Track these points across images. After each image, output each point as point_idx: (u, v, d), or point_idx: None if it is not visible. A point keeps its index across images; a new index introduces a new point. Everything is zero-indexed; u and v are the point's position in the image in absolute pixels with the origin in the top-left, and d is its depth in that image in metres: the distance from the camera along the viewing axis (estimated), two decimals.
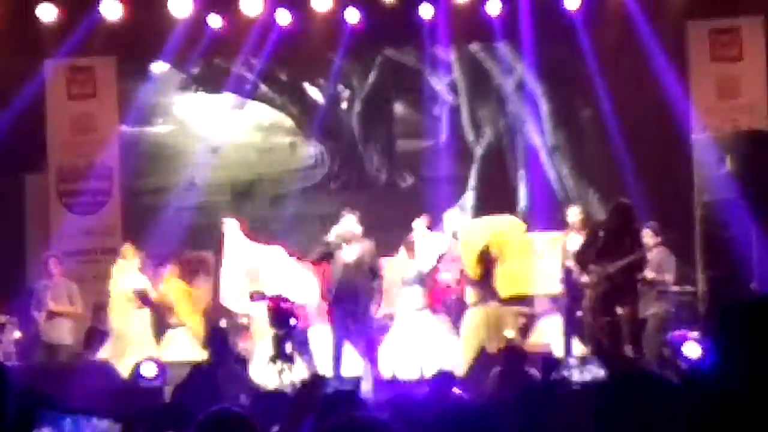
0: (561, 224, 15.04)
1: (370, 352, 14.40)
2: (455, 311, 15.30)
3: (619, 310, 13.75)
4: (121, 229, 17.02)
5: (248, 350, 15.03)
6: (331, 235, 14.50)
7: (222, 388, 10.98)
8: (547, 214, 16.18)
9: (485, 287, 14.97)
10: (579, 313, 14.59)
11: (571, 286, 14.66)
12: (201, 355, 13.38)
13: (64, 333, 15.24)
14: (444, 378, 10.43)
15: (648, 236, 14.36)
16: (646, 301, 14.26)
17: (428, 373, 13.95)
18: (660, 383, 3.74)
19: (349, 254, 14.54)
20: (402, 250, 15.07)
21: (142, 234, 16.28)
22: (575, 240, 14.81)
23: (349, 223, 14.59)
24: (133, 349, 14.89)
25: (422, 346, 14.67)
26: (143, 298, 15.06)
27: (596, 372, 12.44)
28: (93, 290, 15.78)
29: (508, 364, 11.29)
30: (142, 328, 15.15)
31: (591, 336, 14.23)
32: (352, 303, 14.46)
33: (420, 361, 14.04)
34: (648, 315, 14.32)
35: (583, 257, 13.98)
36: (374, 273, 14.59)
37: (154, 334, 15.26)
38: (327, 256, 14.57)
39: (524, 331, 15.23)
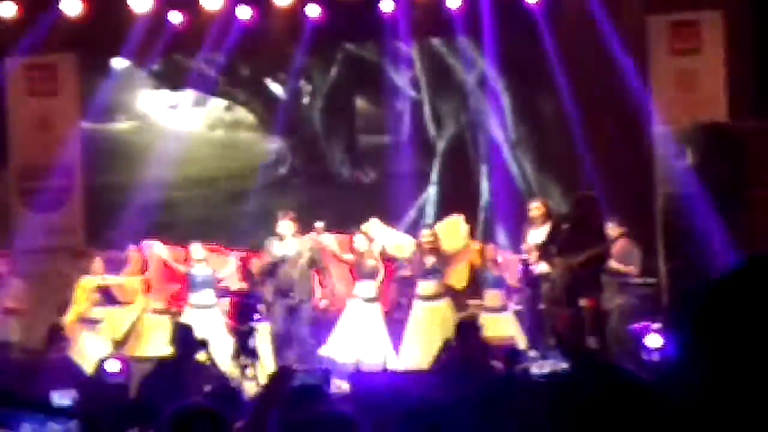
0: (522, 218, 15.09)
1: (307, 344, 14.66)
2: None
3: (583, 302, 13.77)
4: (83, 226, 16.97)
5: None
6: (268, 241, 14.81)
7: (187, 382, 10.95)
8: (509, 209, 16.21)
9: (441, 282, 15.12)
10: (539, 305, 14.66)
11: (530, 279, 14.71)
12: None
13: (10, 331, 15.24)
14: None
15: (611, 228, 14.40)
16: (609, 293, 14.30)
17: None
18: (623, 376, 3.71)
19: (281, 250, 14.75)
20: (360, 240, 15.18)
21: (104, 231, 16.25)
22: (536, 234, 14.84)
23: (282, 226, 14.85)
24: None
25: (369, 337, 14.80)
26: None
27: (558, 364, 12.48)
28: (54, 287, 15.74)
29: (462, 338, 11.42)
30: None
31: (553, 328, 14.27)
32: (289, 297, 14.67)
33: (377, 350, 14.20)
34: (611, 307, 14.36)
35: (546, 249, 14.00)
36: (315, 266, 14.84)
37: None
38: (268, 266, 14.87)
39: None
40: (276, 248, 14.98)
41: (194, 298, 15.22)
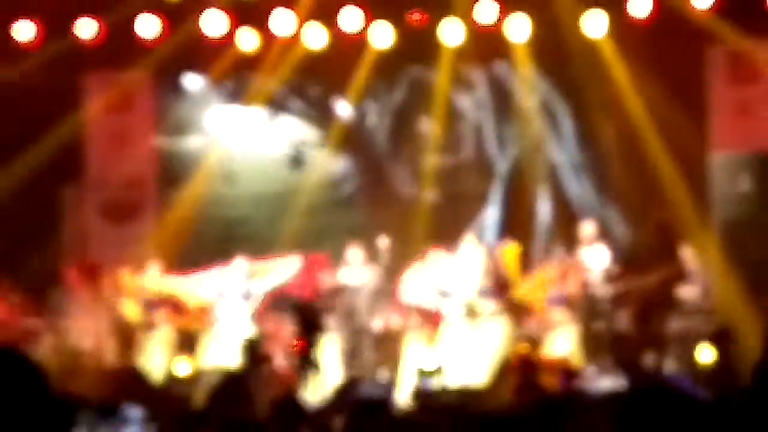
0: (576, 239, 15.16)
1: None
2: None
3: (651, 323, 13.81)
4: (155, 238, 17.08)
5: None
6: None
7: (253, 393, 11.03)
8: (565, 230, 16.20)
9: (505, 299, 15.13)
10: (595, 324, 14.67)
11: (589, 299, 14.72)
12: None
13: (85, 339, 15.35)
14: None
15: (685, 252, 14.46)
16: (674, 315, 14.32)
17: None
18: (683, 396, 3.74)
19: (347, 278, 15.16)
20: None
21: (174, 244, 16.37)
22: (590, 253, 14.86)
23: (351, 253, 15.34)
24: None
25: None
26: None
27: (615, 382, 12.48)
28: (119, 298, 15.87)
29: (523, 377, 11.38)
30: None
31: (614, 347, 14.27)
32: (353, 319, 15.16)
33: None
34: (674, 328, 14.35)
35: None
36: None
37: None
38: None
39: (537, 342, 15.25)
40: (343, 275, 15.12)
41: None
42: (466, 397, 12.55)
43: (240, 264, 15.39)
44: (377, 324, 15.30)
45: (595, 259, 15.00)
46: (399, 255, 15.53)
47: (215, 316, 15.41)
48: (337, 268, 15.58)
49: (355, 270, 15.30)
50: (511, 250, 15.70)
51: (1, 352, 2.44)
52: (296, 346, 14.15)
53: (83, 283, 15.57)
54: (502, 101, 17.31)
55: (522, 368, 11.63)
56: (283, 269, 15.67)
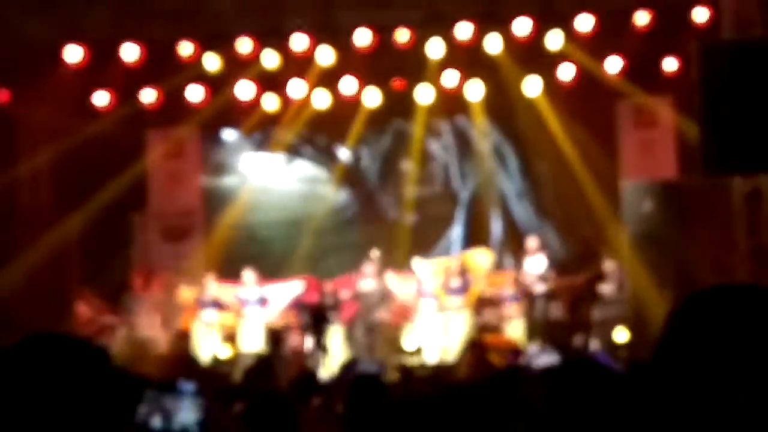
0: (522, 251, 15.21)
1: None
2: None
3: (579, 312, 13.82)
4: (203, 254, 17.06)
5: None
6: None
7: (277, 370, 11.00)
8: (514, 244, 16.24)
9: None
10: (536, 314, 14.68)
11: (530, 295, 14.80)
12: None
13: (155, 329, 15.33)
14: None
15: (604, 258, 14.55)
16: (597, 306, 14.35)
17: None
18: (602, 368, 3.70)
19: (364, 286, 15.22)
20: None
21: (217, 259, 16.38)
22: (531, 261, 14.88)
23: (366, 267, 15.36)
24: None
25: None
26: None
27: (551, 359, 12.44)
28: (177, 301, 15.87)
29: (476, 356, 11.39)
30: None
31: (549, 331, 14.26)
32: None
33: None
34: (597, 316, 14.36)
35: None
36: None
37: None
38: None
39: (493, 329, 15.22)
40: (361, 284, 15.24)
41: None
42: (438, 371, 12.50)
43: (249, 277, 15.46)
44: (378, 318, 15.30)
45: (537, 265, 15.02)
46: (386, 263, 15.54)
47: (246, 314, 15.38)
48: (340, 279, 15.66)
49: (369, 280, 15.36)
50: (471, 256, 15.70)
51: (62, 337, 2.40)
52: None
53: (146, 287, 15.57)
54: (464, 145, 17.30)
55: (475, 349, 11.59)
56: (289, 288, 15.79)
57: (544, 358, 12.73)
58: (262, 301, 15.24)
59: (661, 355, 2.15)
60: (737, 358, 2.01)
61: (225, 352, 13.44)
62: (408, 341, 14.53)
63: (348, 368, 8.95)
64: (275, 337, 12.09)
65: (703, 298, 2.07)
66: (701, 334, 2.05)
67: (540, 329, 14.53)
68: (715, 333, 2.03)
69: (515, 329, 15.00)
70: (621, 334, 13.32)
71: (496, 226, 16.95)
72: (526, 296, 14.96)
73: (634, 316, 14.07)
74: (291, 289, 15.72)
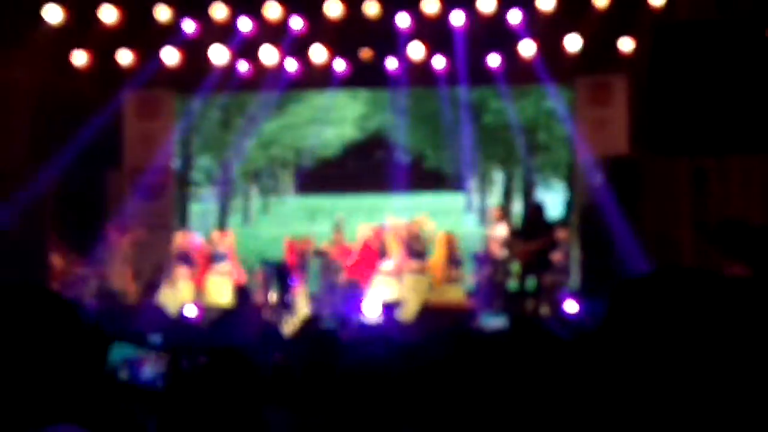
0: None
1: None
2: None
3: (532, 278, 13.97)
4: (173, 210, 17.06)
5: None
6: None
7: (243, 325, 11.08)
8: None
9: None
10: (498, 278, 14.85)
11: (492, 260, 14.94)
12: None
13: (125, 283, 15.42)
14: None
15: (560, 230, 14.70)
16: (548, 273, 14.50)
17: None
18: (546, 332, 3.80)
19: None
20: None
21: (185, 215, 16.39)
22: (494, 228, 15.05)
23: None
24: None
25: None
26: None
27: (501, 322, 12.62)
28: (152, 253, 15.91)
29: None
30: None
31: (503, 294, 14.42)
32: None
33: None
34: (549, 282, 14.51)
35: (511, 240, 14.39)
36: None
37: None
38: None
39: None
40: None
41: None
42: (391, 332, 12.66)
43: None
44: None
45: (500, 231, 15.25)
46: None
47: (217, 270, 15.50)
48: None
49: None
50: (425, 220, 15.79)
51: (34, 289, 2.44)
52: None
53: (119, 241, 15.61)
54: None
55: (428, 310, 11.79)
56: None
57: (494, 321, 12.95)
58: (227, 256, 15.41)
59: (603, 327, 2.27)
60: (670, 333, 2.13)
61: (191, 309, 13.50)
62: (366, 301, 14.67)
63: (307, 325, 9.05)
64: (241, 292, 12.17)
65: (642, 280, 2.19)
66: (638, 314, 2.17)
67: (496, 292, 14.70)
68: (650, 314, 2.15)
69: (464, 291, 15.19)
70: (570, 304, 13.49)
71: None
72: (490, 261, 15.13)
73: (580, 284, 14.27)
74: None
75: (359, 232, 15.70)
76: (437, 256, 15.35)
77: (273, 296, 14.41)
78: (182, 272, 15.48)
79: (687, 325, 2.05)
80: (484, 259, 15.45)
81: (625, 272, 12.61)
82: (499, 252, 15.03)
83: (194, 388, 4.52)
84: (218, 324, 11.24)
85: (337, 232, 15.96)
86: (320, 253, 15.65)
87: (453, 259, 15.32)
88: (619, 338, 2.12)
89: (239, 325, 11.06)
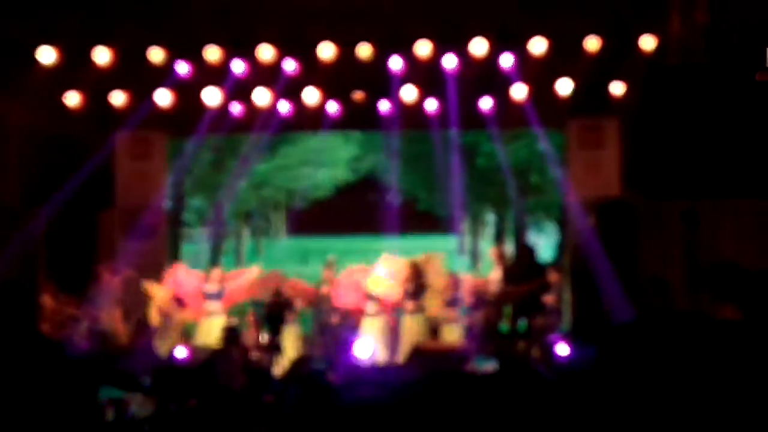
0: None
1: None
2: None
3: (523, 320, 13.94)
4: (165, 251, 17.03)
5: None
6: None
7: (230, 367, 11.02)
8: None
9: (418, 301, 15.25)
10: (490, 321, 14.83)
11: (484, 302, 14.94)
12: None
13: (115, 323, 15.38)
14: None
15: (552, 272, 14.72)
16: (539, 315, 14.48)
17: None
18: (535, 373, 3.80)
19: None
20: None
21: (177, 256, 16.36)
22: (494, 270, 15.10)
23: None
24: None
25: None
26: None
27: (492, 365, 12.59)
28: (143, 294, 15.88)
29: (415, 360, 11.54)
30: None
31: (495, 338, 14.38)
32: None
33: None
34: (540, 324, 14.50)
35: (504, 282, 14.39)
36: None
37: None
38: None
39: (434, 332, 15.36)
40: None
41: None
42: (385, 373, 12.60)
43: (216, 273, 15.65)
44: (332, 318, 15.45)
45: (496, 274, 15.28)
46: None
47: (206, 310, 15.50)
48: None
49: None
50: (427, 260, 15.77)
51: (23, 330, 2.47)
52: None
53: (110, 282, 15.58)
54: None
55: (420, 353, 11.75)
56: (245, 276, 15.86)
57: (487, 365, 12.91)
58: (221, 296, 15.39)
59: (592, 369, 2.28)
60: (660, 377, 2.13)
61: (181, 352, 13.47)
62: (359, 343, 14.63)
63: (298, 366, 9.01)
64: (229, 333, 12.14)
65: (632, 324, 2.20)
66: (628, 357, 2.18)
67: (492, 336, 14.68)
68: (640, 357, 2.15)
69: (457, 334, 15.16)
70: (562, 347, 13.47)
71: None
72: (480, 303, 15.12)
73: (571, 326, 14.25)
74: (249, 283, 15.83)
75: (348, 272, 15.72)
76: (437, 295, 15.35)
77: (264, 337, 14.40)
78: (175, 314, 15.48)
79: (677, 368, 2.05)
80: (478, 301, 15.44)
81: (615, 316, 12.60)
82: (492, 294, 15.05)
83: (180, 430, 4.50)
84: (206, 366, 11.20)
85: (328, 269, 15.97)
86: (323, 299, 15.67)
87: (452, 300, 15.33)
88: (609, 380, 2.12)
89: (227, 368, 11.02)
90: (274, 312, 14.52)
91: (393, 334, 15.24)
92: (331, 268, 15.95)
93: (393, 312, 15.53)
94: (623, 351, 2.03)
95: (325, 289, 15.70)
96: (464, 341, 14.88)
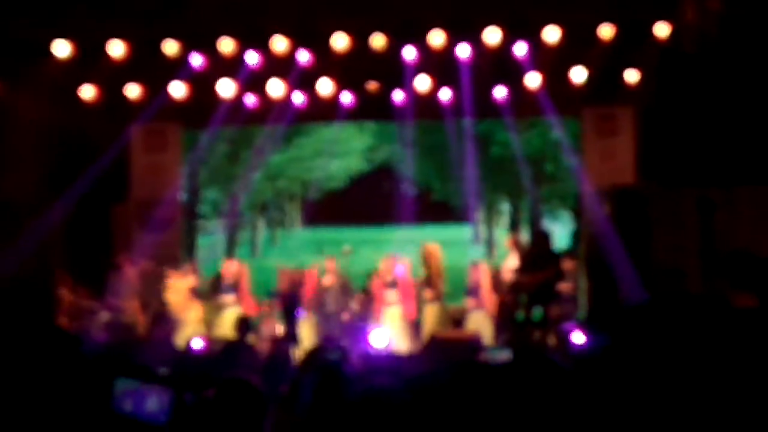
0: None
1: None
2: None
3: (539, 308, 13.92)
4: (181, 243, 17.08)
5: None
6: None
7: (246, 357, 11.04)
8: None
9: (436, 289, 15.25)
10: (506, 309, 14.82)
11: (503, 291, 14.94)
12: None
13: (134, 314, 15.45)
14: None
15: (567, 260, 14.69)
16: (554, 304, 14.45)
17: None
18: (550, 362, 3.79)
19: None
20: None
21: (193, 248, 16.39)
22: (510, 258, 15.12)
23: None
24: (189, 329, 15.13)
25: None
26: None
27: (508, 354, 12.57)
28: (159, 285, 15.93)
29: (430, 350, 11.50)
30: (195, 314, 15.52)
31: (511, 327, 14.36)
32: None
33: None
34: (556, 312, 14.48)
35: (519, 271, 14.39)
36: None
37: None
38: None
39: (458, 323, 15.35)
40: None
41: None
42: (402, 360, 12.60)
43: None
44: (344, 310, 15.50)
45: (511, 262, 15.28)
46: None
47: (222, 303, 15.57)
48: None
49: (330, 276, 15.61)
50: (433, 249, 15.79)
51: (39, 323, 2.48)
52: None
53: (129, 273, 15.65)
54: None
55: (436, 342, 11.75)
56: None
57: (502, 353, 12.90)
58: (236, 288, 15.46)
59: (606, 354, 2.27)
60: (673, 360, 2.12)
61: (197, 343, 13.48)
62: (374, 332, 14.64)
63: (312, 356, 9.01)
64: (243, 324, 12.16)
65: (645, 307, 2.19)
66: (641, 340, 2.17)
67: (508, 324, 14.67)
68: (654, 340, 2.14)
69: (475, 323, 15.14)
70: (578, 335, 13.44)
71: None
72: (501, 291, 15.12)
73: (587, 314, 14.22)
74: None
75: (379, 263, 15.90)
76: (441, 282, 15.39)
77: (279, 327, 14.43)
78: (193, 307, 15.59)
79: (690, 351, 2.04)
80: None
81: (631, 302, 12.59)
82: (508, 282, 15.04)
83: (197, 422, 4.51)
84: (221, 356, 11.22)
85: (329, 260, 16.01)
86: (324, 290, 15.71)
87: (473, 289, 15.33)
88: (622, 364, 2.11)
89: (242, 359, 11.04)
90: (289, 303, 14.55)
91: (413, 324, 15.26)
92: (333, 258, 15.95)
93: (412, 300, 15.53)
94: (637, 333, 2.03)
95: (326, 280, 15.69)
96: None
